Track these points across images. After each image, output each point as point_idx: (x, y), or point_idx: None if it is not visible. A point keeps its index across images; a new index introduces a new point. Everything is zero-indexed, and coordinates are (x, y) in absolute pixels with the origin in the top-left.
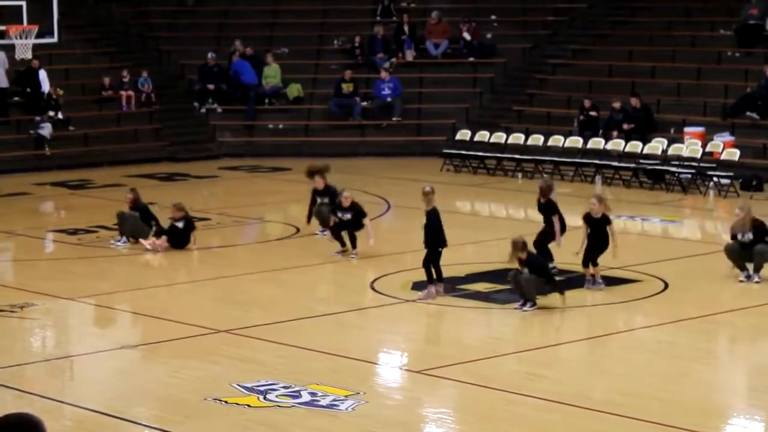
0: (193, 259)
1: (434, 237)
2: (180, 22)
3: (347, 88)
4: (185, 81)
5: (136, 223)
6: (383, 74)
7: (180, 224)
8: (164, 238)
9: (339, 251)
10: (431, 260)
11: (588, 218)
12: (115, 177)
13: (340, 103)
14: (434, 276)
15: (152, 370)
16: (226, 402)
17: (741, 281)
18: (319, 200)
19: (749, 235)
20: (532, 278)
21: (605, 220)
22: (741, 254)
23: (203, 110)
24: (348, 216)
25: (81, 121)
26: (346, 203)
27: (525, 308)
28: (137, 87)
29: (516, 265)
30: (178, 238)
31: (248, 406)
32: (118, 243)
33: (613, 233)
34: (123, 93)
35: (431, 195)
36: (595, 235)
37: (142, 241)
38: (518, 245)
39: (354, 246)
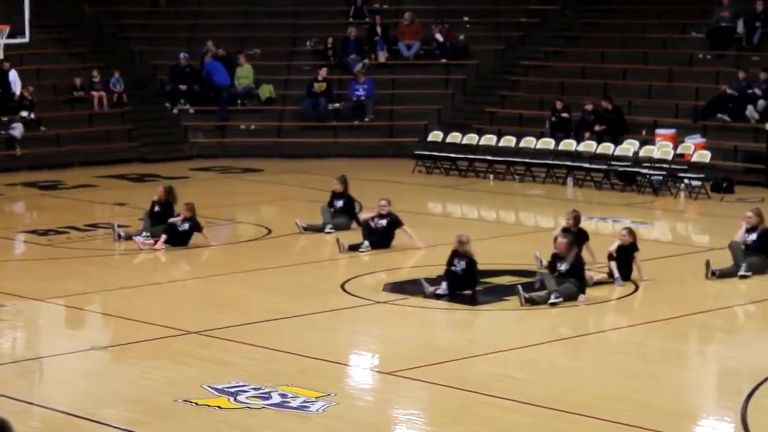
0: (164, 260)
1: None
2: (152, 22)
3: (319, 87)
4: (157, 82)
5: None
6: (359, 77)
7: (184, 226)
8: (154, 240)
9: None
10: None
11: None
12: (87, 178)
13: (312, 103)
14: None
15: (122, 371)
16: (196, 404)
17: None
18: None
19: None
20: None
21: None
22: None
23: (175, 111)
24: (383, 223)
25: (52, 121)
26: (383, 210)
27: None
28: (109, 87)
29: None
30: (178, 238)
31: (219, 407)
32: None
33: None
34: (95, 94)
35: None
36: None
37: (135, 239)
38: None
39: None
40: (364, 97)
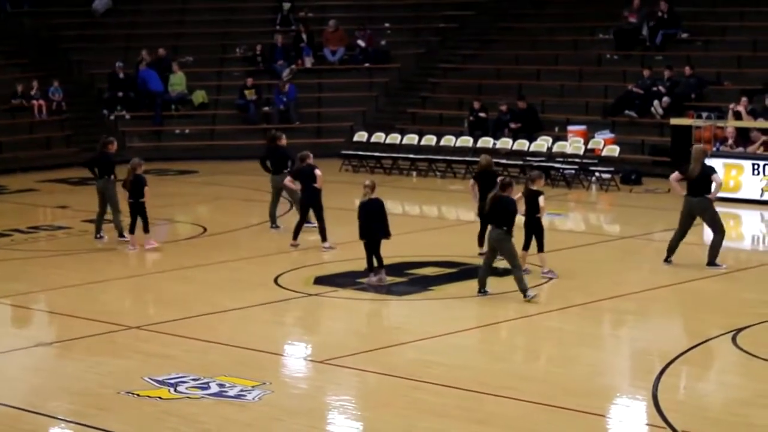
0: (104, 258)
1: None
2: (89, 33)
3: (249, 94)
4: (95, 90)
5: None
6: (282, 86)
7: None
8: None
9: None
10: (373, 250)
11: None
12: (28, 182)
13: (243, 106)
14: (374, 264)
15: (67, 366)
16: (138, 395)
17: None
18: None
19: None
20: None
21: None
22: None
23: (112, 117)
24: None
25: None
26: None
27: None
28: (48, 96)
29: None
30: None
31: (159, 398)
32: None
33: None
34: (35, 102)
35: (369, 188)
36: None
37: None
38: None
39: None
40: (285, 105)
